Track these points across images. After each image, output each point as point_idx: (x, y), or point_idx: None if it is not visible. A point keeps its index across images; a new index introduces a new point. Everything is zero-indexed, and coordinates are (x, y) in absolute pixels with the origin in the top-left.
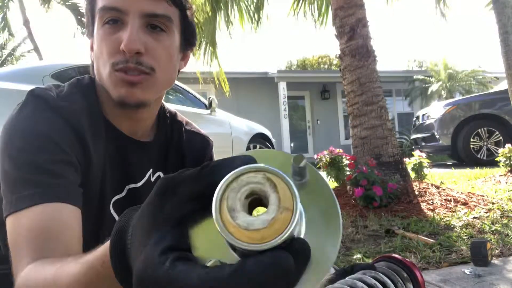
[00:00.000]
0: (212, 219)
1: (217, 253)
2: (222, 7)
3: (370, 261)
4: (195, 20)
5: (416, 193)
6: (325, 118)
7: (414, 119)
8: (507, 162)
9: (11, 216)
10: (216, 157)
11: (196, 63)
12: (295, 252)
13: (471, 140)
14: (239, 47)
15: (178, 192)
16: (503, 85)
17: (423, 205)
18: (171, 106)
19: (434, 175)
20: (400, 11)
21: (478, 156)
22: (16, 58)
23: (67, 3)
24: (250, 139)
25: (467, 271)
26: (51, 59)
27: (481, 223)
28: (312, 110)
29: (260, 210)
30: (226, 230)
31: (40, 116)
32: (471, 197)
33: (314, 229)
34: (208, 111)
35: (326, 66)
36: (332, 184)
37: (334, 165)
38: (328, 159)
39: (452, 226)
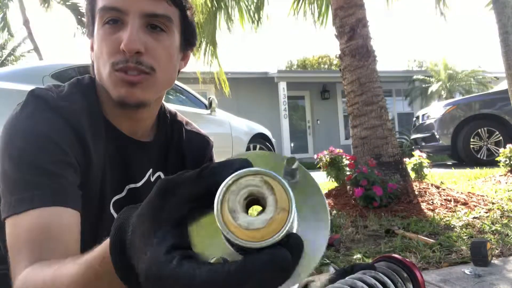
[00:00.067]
0: (209, 216)
1: (215, 248)
2: (223, 6)
3: (370, 261)
4: (196, 19)
5: (416, 193)
6: (325, 118)
7: (414, 119)
8: (507, 162)
9: (10, 219)
10: (216, 157)
11: (196, 63)
12: (291, 248)
13: (471, 140)
14: (239, 47)
15: (177, 193)
16: (503, 85)
17: (423, 205)
18: (171, 106)
19: (434, 175)
20: (400, 11)
21: (478, 156)
22: (16, 58)
23: (67, 3)
24: (250, 139)
25: (467, 271)
26: (51, 59)
27: (481, 223)
28: (312, 110)
29: (256, 208)
30: (228, 230)
31: (40, 116)
32: (471, 197)
33: (305, 224)
34: (208, 111)
35: (326, 66)
36: (332, 184)
37: (334, 165)
38: (328, 159)
39: (452, 226)
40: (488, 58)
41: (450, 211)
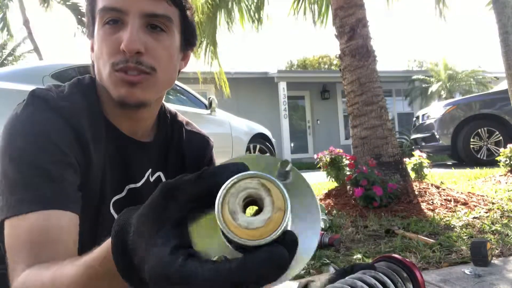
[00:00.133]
0: (208, 216)
1: (214, 247)
2: (223, 5)
3: (370, 261)
4: (196, 19)
5: (416, 193)
6: (325, 118)
7: (414, 119)
8: (507, 162)
9: (9, 220)
10: (216, 157)
11: (197, 63)
12: (287, 244)
13: (471, 140)
14: (239, 47)
15: (179, 193)
16: (503, 85)
17: (423, 205)
18: (171, 106)
19: (434, 175)
20: (400, 11)
21: (478, 156)
22: (16, 58)
23: (67, 3)
24: (250, 139)
25: (467, 271)
26: (51, 59)
27: (481, 223)
28: (312, 110)
29: (252, 208)
30: (228, 229)
31: (41, 116)
32: (471, 197)
33: (298, 222)
34: (208, 111)
35: (326, 66)
36: (332, 184)
37: (334, 165)
38: (328, 159)
39: (452, 226)
40: (488, 58)
41: (450, 211)
